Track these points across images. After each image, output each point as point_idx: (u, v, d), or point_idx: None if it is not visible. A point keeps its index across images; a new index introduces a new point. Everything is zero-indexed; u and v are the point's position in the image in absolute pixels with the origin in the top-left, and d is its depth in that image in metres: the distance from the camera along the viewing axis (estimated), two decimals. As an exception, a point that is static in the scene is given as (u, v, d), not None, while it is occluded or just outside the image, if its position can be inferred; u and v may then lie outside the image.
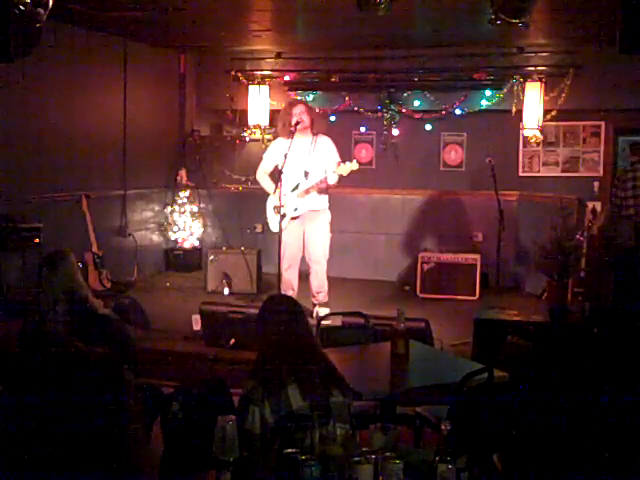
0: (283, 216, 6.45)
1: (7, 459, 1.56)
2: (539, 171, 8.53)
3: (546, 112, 8.08)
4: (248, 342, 5.67)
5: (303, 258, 6.88)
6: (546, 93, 8.04)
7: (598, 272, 6.33)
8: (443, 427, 2.37)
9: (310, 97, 8.77)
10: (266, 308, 3.14)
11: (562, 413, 3.31)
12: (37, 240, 6.67)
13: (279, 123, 6.88)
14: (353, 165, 6.47)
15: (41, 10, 4.12)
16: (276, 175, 6.54)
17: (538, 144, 8.40)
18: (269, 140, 8.62)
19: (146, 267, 8.95)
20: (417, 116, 8.68)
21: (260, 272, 8.18)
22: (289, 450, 2.39)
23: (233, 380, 3.69)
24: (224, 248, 8.56)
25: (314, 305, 6.87)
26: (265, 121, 8.90)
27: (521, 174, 8.60)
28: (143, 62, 8.76)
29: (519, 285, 8.43)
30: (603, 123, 8.29)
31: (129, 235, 8.64)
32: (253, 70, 9.00)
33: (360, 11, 4.93)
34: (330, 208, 6.86)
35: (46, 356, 1.62)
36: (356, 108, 8.77)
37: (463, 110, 8.44)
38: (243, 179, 9.23)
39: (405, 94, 8.67)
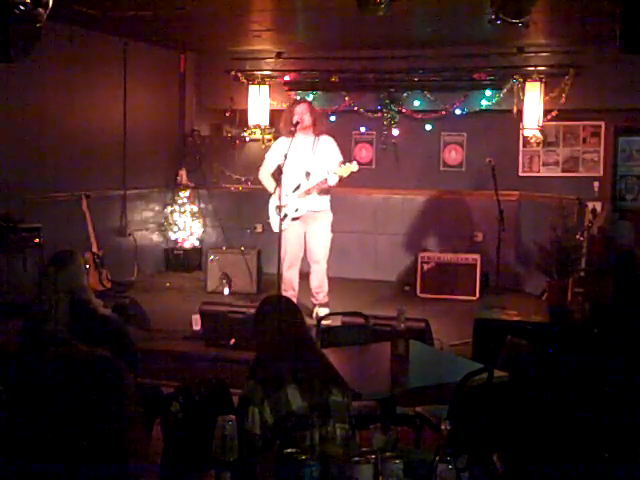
0: (284, 216, 6.46)
1: (6, 459, 1.56)
2: (539, 171, 8.53)
3: (546, 112, 8.08)
4: (248, 342, 5.67)
5: (304, 258, 6.88)
6: (546, 93, 8.04)
7: (598, 272, 6.31)
8: (443, 427, 2.37)
9: (310, 97, 8.76)
10: (263, 309, 3.14)
11: (562, 413, 3.31)
12: (37, 240, 6.67)
13: (281, 122, 6.87)
14: (353, 167, 6.46)
15: (41, 10, 4.11)
16: (277, 175, 6.54)
17: (538, 144, 8.40)
18: (269, 140, 8.64)
19: (146, 267, 8.94)
20: (417, 116, 8.68)
21: (260, 272, 8.18)
22: (289, 450, 2.39)
23: (233, 380, 3.70)
24: (224, 248, 8.56)
25: (314, 305, 6.87)
26: (265, 121, 8.90)
27: (521, 174, 8.60)
28: (143, 62, 8.76)
29: (519, 285, 8.42)
30: (603, 123, 8.29)
31: (129, 235, 8.64)
32: (253, 70, 9.00)
33: (360, 11, 4.93)
34: (331, 208, 6.86)
35: (46, 356, 1.62)
36: (356, 108, 8.77)
37: (463, 110, 8.44)
38: (243, 179, 9.23)
39: (405, 94, 8.66)
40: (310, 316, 6.47)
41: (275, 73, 8.98)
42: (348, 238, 8.73)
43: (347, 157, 6.94)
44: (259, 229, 8.92)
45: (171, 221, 9.34)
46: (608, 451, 2.85)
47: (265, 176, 6.95)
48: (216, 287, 8.14)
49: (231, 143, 9.42)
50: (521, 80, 8.13)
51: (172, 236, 9.36)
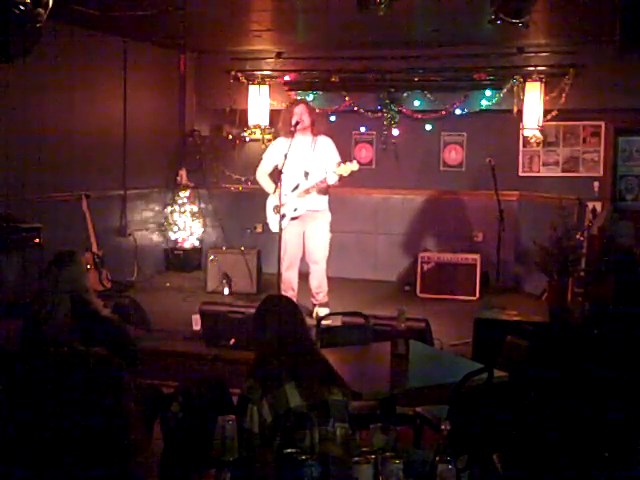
0: (283, 216, 6.45)
1: (7, 458, 1.56)
2: (539, 171, 8.53)
3: (546, 112, 8.08)
4: (248, 342, 5.67)
5: (303, 258, 6.88)
6: (546, 93, 8.04)
7: (598, 272, 6.32)
8: (443, 427, 2.37)
9: (310, 97, 8.76)
10: (263, 308, 3.15)
11: (561, 413, 3.31)
12: (37, 240, 6.66)
13: (280, 122, 6.88)
14: (353, 166, 6.47)
15: (41, 10, 4.12)
16: (276, 175, 6.54)
17: (538, 144, 8.40)
18: (269, 140, 8.63)
19: (146, 267, 8.94)
20: (417, 116, 8.68)
21: (260, 272, 8.18)
22: (289, 450, 2.39)
23: (233, 380, 3.69)
24: (224, 248, 8.56)
25: (314, 305, 6.87)
26: (265, 121, 8.90)
27: (521, 174, 8.60)
28: (143, 62, 8.75)
29: (519, 285, 8.43)
30: (603, 123, 8.29)
31: (129, 235, 8.64)
32: (253, 70, 9.00)
33: (360, 11, 4.93)
34: (330, 208, 6.87)
35: (46, 356, 1.62)
36: (356, 108, 8.77)
37: (463, 110, 8.44)
38: (243, 179, 9.23)
39: (405, 94, 8.66)
40: (310, 316, 6.47)
41: (275, 73, 8.98)
42: (348, 238, 8.74)
43: (347, 157, 6.94)
44: (259, 229, 8.92)
45: (171, 221, 9.33)
46: (608, 451, 2.84)
47: (262, 177, 6.95)
48: (216, 287, 8.14)
49: (231, 143, 9.42)
50: (521, 80, 8.12)
51: (172, 236, 9.36)
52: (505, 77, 8.25)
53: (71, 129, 7.67)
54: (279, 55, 8.92)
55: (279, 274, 6.49)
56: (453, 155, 8.89)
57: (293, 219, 6.68)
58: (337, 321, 5.33)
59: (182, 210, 9.31)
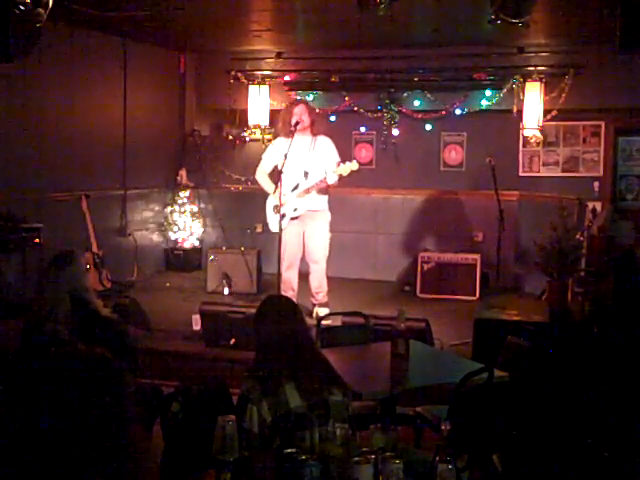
0: (283, 216, 6.45)
1: (7, 459, 1.56)
2: (539, 171, 8.53)
3: (546, 112, 8.08)
4: (248, 342, 5.67)
5: (303, 258, 6.88)
6: (546, 93, 8.04)
7: (598, 272, 6.32)
8: (443, 427, 2.37)
9: (310, 97, 8.76)
10: (263, 308, 3.15)
11: (561, 413, 3.31)
12: (37, 240, 6.67)
13: (279, 122, 6.88)
14: (353, 165, 6.47)
15: (41, 10, 4.12)
16: (276, 175, 6.54)
17: (538, 144, 8.39)
18: (269, 140, 8.63)
19: (146, 267, 8.94)
20: (417, 116, 8.68)
21: (260, 272, 8.18)
22: (289, 450, 2.39)
23: (233, 380, 3.70)
24: (224, 248, 8.57)
25: (314, 305, 6.87)
26: (265, 121, 8.90)
27: (521, 174, 8.60)
28: (143, 62, 8.76)
29: (519, 285, 8.42)
30: (603, 123, 8.29)
31: (129, 235, 8.64)
32: (253, 70, 9.00)
33: (360, 11, 4.93)
34: (330, 208, 6.87)
35: (47, 356, 1.63)
36: (356, 108, 8.77)
37: (463, 110, 8.44)
38: (243, 179, 9.23)
39: (405, 94, 8.66)
40: (310, 316, 6.47)
41: (275, 73, 8.98)
42: (348, 238, 8.73)
43: (347, 157, 6.94)
44: (259, 229, 8.92)
45: (171, 221, 9.34)
46: (608, 451, 2.84)
47: (262, 176, 6.95)
48: (216, 287, 8.14)
49: (231, 143, 9.42)
50: (521, 80, 8.13)
51: (172, 236, 9.37)
52: (505, 77, 8.25)
53: (71, 129, 7.67)
54: (279, 55, 8.93)
55: (279, 274, 6.49)
56: (453, 155, 8.89)
57: (293, 219, 6.68)
58: (337, 321, 5.33)
59: (182, 210, 9.31)
